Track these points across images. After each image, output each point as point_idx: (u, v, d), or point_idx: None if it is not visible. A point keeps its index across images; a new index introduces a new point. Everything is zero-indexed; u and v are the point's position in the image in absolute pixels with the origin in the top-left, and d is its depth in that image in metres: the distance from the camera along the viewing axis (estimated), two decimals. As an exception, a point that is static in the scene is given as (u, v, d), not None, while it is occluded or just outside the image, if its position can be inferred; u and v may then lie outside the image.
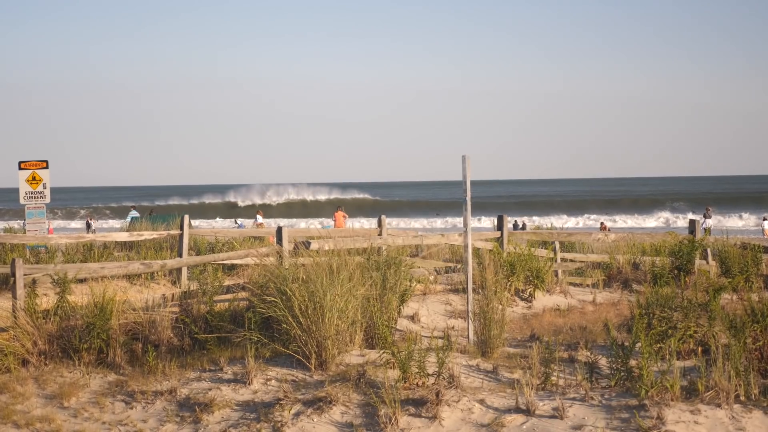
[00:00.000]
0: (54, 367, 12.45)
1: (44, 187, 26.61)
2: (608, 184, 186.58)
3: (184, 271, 21.45)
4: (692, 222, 23.49)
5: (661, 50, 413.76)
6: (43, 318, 13.17)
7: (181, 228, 22.27)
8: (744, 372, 10.61)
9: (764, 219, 59.84)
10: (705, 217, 54.21)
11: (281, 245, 16.85)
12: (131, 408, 11.19)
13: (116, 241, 25.06)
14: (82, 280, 15.16)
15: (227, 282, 15.93)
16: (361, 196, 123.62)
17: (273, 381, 11.64)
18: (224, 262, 20.20)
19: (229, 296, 14.40)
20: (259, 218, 54.16)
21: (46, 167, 26.75)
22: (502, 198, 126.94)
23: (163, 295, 14.67)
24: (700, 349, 12.22)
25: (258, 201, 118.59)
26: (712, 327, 12.35)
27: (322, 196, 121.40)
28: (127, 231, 28.23)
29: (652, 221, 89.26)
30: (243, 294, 14.43)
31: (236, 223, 54.36)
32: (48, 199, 26.87)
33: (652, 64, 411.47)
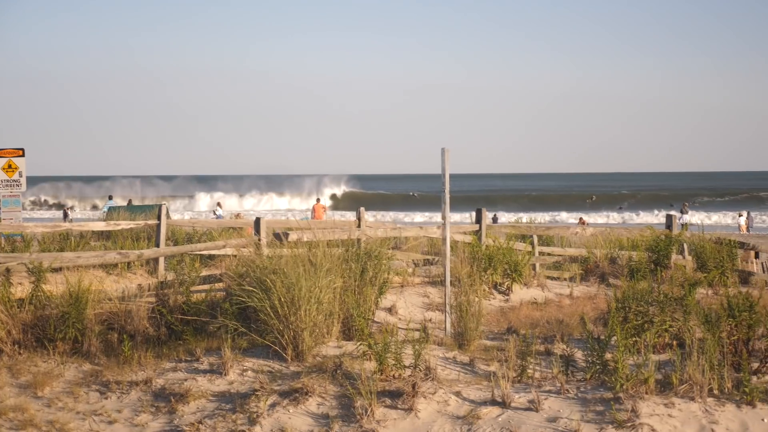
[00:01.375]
0: (28, 357, 12.38)
1: (20, 176, 26.47)
2: (607, 179, 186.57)
3: (161, 261, 21.36)
4: (669, 217, 23.55)
5: (653, 45, 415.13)
6: (18, 307, 13.09)
7: (159, 218, 22.18)
8: (718, 366, 10.67)
9: (740, 215, 60.11)
10: (682, 212, 54.44)
11: (259, 236, 16.82)
12: (106, 398, 11.15)
13: (93, 231, 24.93)
14: (57, 270, 15.07)
15: (205, 272, 15.88)
16: (355, 190, 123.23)
17: (249, 372, 11.61)
18: (202, 252, 20.12)
19: (206, 287, 14.34)
20: (219, 210, 54.03)
21: (22, 155, 26.59)
22: (499, 191, 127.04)
23: (140, 285, 14.60)
24: (675, 343, 12.27)
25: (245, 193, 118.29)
26: (688, 321, 12.40)
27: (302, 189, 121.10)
28: (105, 221, 28.10)
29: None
30: (220, 285, 14.39)
31: (215, 213, 54.17)
32: (24, 188, 26.73)
33: (646, 60, 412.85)
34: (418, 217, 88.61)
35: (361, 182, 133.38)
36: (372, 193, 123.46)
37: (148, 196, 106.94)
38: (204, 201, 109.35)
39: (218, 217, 53.41)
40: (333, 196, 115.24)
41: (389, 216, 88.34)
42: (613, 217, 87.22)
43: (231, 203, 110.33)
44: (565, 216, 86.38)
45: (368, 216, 22.48)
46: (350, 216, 77.05)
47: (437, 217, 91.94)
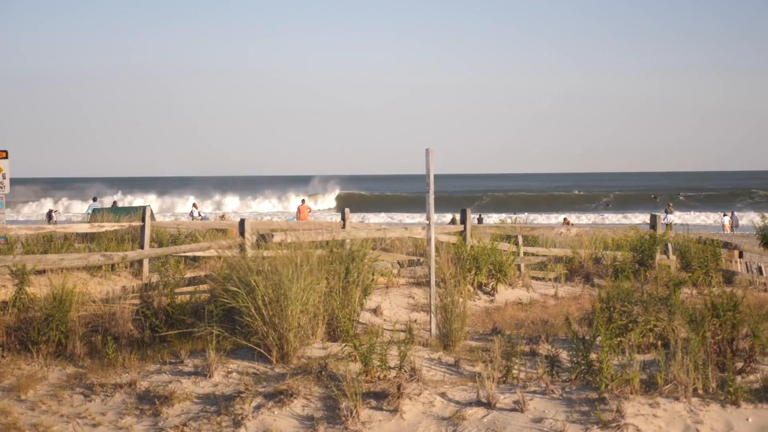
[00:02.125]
0: (12, 360, 12.32)
1: (3, 177, 26.34)
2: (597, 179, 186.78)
3: (146, 263, 21.30)
4: (653, 217, 23.61)
5: (641, 46, 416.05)
6: (1, 310, 13.06)
7: (143, 219, 22.11)
8: (702, 366, 10.68)
9: (724, 215, 60.33)
10: (666, 212, 54.58)
11: (244, 237, 16.79)
12: (90, 401, 11.10)
13: (77, 233, 24.84)
14: (41, 272, 15.03)
15: (189, 274, 15.85)
16: (353, 191, 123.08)
17: (234, 374, 11.59)
18: (186, 254, 20.09)
19: (190, 288, 14.31)
20: (195, 212, 53.95)
21: (6, 157, 26.47)
22: (487, 192, 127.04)
23: (124, 287, 14.56)
24: (660, 342, 12.29)
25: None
26: (672, 321, 12.42)
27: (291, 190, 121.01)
28: (89, 222, 28.00)
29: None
30: (205, 286, 14.36)
31: (200, 215, 54.08)
32: (7, 190, 26.59)
33: (636, 60, 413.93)
34: (418, 218, 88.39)
35: (358, 183, 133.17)
36: (368, 194, 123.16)
37: (132, 197, 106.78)
38: (190, 202, 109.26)
39: (203, 218, 53.30)
40: (327, 197, 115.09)
41: (382, 217, 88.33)
42: (609, 218, 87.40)
43: (231, 203, 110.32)
44: (547, 216, 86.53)
45: (355, 217, 22.46)
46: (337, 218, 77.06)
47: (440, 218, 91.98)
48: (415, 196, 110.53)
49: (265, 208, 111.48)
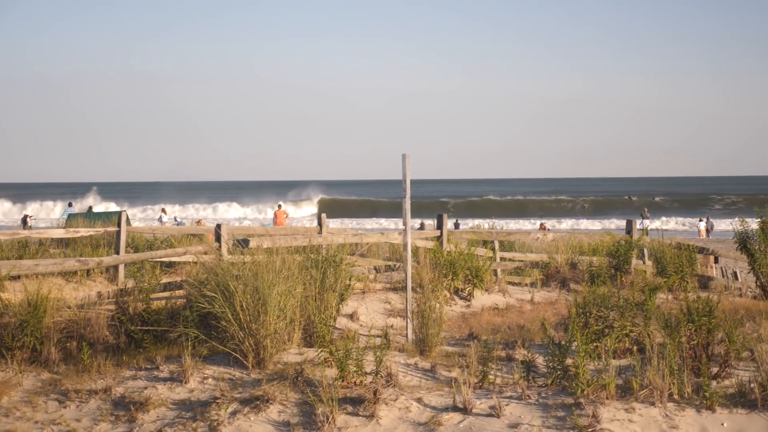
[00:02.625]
0: (-14, 366, 12.25)
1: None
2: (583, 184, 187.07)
3: (121, 268, 21.23)
4: (629, 222, 23.71)
5: (618, 50, 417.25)
6: (-25, 316, 12.95)
7: (119, 225, 22.04)
8: (678, 371, 10.72)
9: (700, 220, 60.60)
10: (642, 217, 54.78)
11: (220, 243, 16.74)
12: (65, 407, 11.04)
13: (52, 238, 24.72)
14: (16, 278, 14.94)
15: (165, 279, 15.79)
16: (337, 197, 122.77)
17: (210, 379, 11.55)
18: (162, 259, 20.02)
19: (166, 294, 14.26)
20: (165, 217, 53.80)
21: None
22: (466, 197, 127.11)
23: (99, 292, 14.49)
24: (635, 348, 12.33)
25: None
26: (648, 326, 12.46)
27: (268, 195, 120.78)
28: (64, 228, 27.86)
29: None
30: (181, 292, 14.31)
31: (176, 220, 53.96)
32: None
33: (622, 65, 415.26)
34: (401, 223, 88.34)
35: (342, 188, 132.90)
36: (350, 199, 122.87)
37: (109, 203, 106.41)
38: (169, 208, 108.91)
39: (179, 223, 53.12)
40: (308, 203, 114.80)
41: (367, 222, 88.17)
42: (585, 223, 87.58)
43: (209, 209, 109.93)
44: (523, 222, 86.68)
45: (335, 223, 22.43)
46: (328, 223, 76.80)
47: (419, 223, 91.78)
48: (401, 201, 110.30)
49: (243, 213, 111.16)
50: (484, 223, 38.40)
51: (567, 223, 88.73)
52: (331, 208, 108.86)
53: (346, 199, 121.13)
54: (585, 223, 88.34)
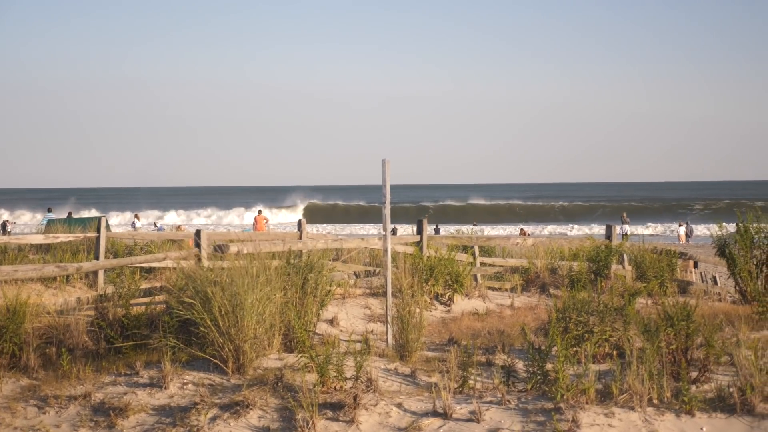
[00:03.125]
0: (-35, 372, 12.18)
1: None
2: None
3: (101, 274, 21.16)
4: (609, 227, 23.78)
5: (596, 55, 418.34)
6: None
7: (98, 231, 21.97)
8: (657, 375, 10.75)
9: (679, 225, 60.82)
10: (623, 223, 54.96)
11: (200, 248, 16.71)
12: (44, 413, 10.99)
13: (31, 244, 24.61)
14: (-6, 283, 14.86)
15: (145, 285, 15.75)
16: (318, 202, 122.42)
17: (190, 385, 11.53)
18: (142, 264, 19.96)
19: (146, 299, 14.23)
20: (138, 222, 53.68)
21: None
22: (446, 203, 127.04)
23: (79, 298, 14.45)
24: (615, 352, 12.36)
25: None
26: (628, 331, 12.49)
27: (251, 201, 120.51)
28: (43, 233, 27.75)
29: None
30: (160, 297, 14.28)
31: (156, 226, 53.83)
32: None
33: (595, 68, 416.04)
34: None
35: (330, 193, 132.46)
36: (336, 204, 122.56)
37: (86, 209, 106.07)
38: (149, 213, 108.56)
39: (159, 229, 52.97)
40: (293, 208, 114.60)
41: (354, 228, 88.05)
42: (565, 228, 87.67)
43: (189, 215, 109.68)
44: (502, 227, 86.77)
45: (321, 228, 22.41)
46: (311, 229, 76.77)
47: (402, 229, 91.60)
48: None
49: (224, 219, 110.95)
50: (465, 228, 38.43)
51: (549, 229, 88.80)
52: (318, 213, 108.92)
53: (334, 204, 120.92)
54: (566, 228, 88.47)
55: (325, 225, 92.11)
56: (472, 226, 45.50)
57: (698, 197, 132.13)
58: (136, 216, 57.81)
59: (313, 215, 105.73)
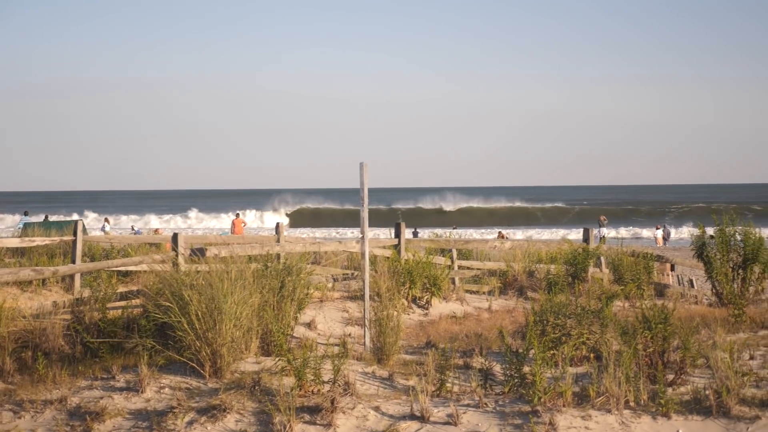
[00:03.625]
0: (-61, 376, 12.10)
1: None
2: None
3: (77, 277, 21.07)
4: (586, 231, 23.85)
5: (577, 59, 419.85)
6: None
7: (75, 234, 21.89)
8: (634, 378, 10.78)
9: (657, 228, 61.00)
10: (600, 225, 55.08)
11: (177, 252, 16.65)
12: (20, 417, 10.92)
13: (7, 248, 24.50)
14: (-30, 287, 14.77)
15: (122, 289, 15.69)
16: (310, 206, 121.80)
17: (166, 389, 11.48)
18: (119, 268, 19.89)
19: (122, 303, 14.17)
20: (107, 226, 53.51)
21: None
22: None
23: (55, 302, 14.38)
24: (592, 355, 12.39)
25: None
26: (605, 334, 12.53)
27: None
28: (19, 237, 27.62)
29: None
30: (137, 301, 14.23)
31: (133, 229, 53.67)
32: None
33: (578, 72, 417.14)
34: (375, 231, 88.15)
35: (315, 196, 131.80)
36: (322, 207, 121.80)
37: (62, 212, 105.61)
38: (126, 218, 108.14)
39: (137, 232, 52.82)
40: (278, 212, 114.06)
41: (341, 232, 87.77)
42: (543, 232, 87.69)
43: (171, 219, 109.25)
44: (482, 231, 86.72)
45: (308, 232, 22.37)
46: (295, 232, 76.71)
47: (383, 233, 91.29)
48: (372, 210, 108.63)
49: (203, 222, 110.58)
50: (443, 231, 38.44)
51: (530, 232, 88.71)
52: (304, 217, 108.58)
53: (321, 208, 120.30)
54: (549, 231, 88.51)
55: (312, 228, 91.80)
56: (451, 230, 45.52)
57: (675, 200, 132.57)
58: (106, 220, 57.58)
59: (300, 219, 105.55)
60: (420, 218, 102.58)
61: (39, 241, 22.42)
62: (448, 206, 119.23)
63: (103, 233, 49.39)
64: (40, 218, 58.44)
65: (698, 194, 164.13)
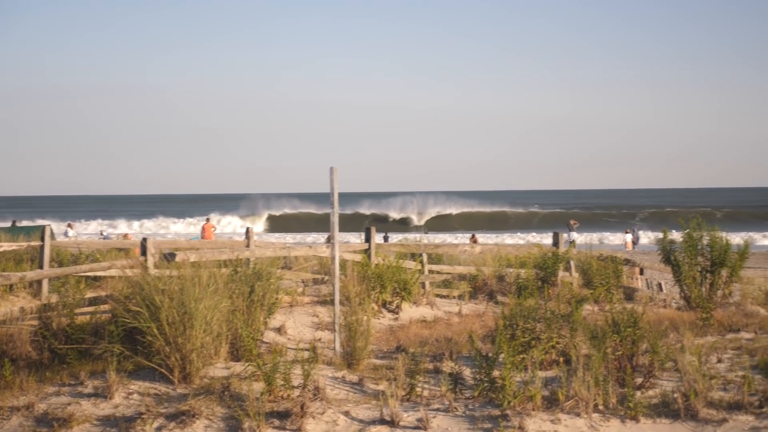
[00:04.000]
0: None
1: None
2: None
3: (45, 283, 20.94)
4: (556, 235, 23.91)
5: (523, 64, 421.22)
6: None
7: (42, 239, 21.76)
8: (603, 381, 10.81)
9: (626, 232, 61.24)
10: (569, 230, 55.26)
11: (146, 257, 16.58)
12: (-14, 424, 10.85)
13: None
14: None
15: (90, 294, 15.61)
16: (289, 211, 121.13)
17: (135, 395, 11.42)
18: (87, 273, 19.77)
19: (91, 309, 14.09)
20: (71, 232, 53.19)
21: None
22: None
23: (22, 308, 14.27)
24: (562, 359, 12.42)
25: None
26: (574, 338, 12.57)
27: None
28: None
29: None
30: (106, 306, 14.15)
31: (102, 234, 53.43)
32: None
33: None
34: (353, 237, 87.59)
35: (293, 201, 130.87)
36: (298, 212, 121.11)
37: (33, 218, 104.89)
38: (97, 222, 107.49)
39: (106, 237, 52.55)
40: (256, 217, 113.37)
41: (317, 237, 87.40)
42: (513, 237, 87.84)
43: (144, 224, 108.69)
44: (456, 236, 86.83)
45: (271, 237, 22.32)
46: (271, 237, 76.35)
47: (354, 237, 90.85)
48: (348, 215, 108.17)
49: (174, 227, 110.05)
50: (414, 236, 38.46)
51: (503, 237, 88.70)
52: (279, 222, 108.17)
53: (297, 213, 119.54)
54: (525, 236, 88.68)
55: (292, 234, 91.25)
56: (422, 234, 45.55)
57: (643, 205, 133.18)
58: (69, 225, 57.17)
59: (277, 223, 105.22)
60: (395, 224, 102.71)
61: (6, 246, 22.28)
62: (430, 210, 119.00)
63: (66, 239, 49.08)
64: (8, 223, 58.09)
65: (670, 198, 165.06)
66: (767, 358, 11.50)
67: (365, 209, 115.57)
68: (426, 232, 61.47)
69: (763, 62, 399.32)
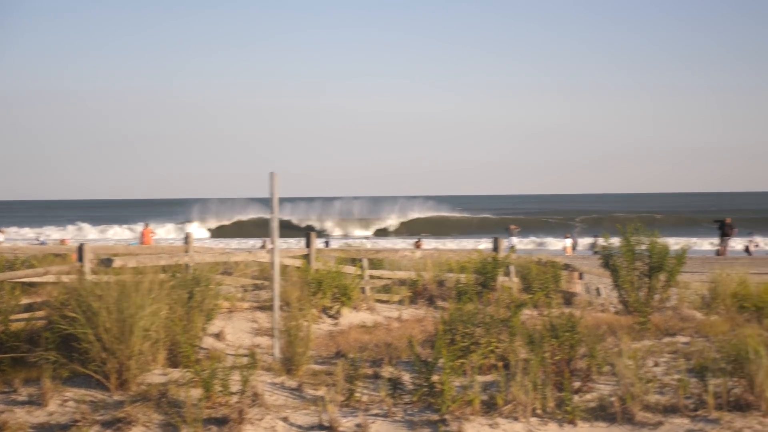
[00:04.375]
0: None
1: None
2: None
3: (-20, 289, 20.62)
4: (496, 240, 24.03)
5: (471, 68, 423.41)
6: None
7: (-22, 245, 21.46)
8: (541, 386, 10.87)
9: (566, 237, 61.72)
10: (510, 234, 55.62)
11: (83, 262, 16.40)
12: None
13: None
14: None
15: (25, 300, 15.39)
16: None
17: (70, 402, 11.28)
18: (22, 279, 19.50)
19: (26, 315, 13.89)
20: (1, 237, 52.62)
21: None
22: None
23: (-45, 314, 14.03)
24: (501, 364, 12.45)
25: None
26: (513, 342, 12.61)
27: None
28: None
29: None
30: (41, 313, 13.96)
31: (38, 240, 52.84)
32: None
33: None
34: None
35: (244, 206, 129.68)
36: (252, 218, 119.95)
37: None
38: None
39: (42, 243, 51.96)
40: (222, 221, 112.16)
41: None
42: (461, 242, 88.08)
43: (84, 229, 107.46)
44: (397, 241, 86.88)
45: (219, 243, 22.20)
46: (219, 243, 75.69)
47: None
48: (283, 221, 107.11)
49: (110, 232, 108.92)
50: (359, 242, 38.48)
51: (447, 242, 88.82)
52: (227, 227, 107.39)
53: (247, 219, 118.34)
54: (470, 241, 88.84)
55: (240, 239, 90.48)
56: (363, 239, 45.56)
57: (586, 209, 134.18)
58: (1, 231, 56.43)
59: (225, 229, 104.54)
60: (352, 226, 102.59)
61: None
62: (382, 216, 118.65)
63: None
64: None
65: (612, 204, 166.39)
66: (702, 362, 11.64)
67: (357, 214, 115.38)
68: (368, 237, 61.55)
69: (699, 67, 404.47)
